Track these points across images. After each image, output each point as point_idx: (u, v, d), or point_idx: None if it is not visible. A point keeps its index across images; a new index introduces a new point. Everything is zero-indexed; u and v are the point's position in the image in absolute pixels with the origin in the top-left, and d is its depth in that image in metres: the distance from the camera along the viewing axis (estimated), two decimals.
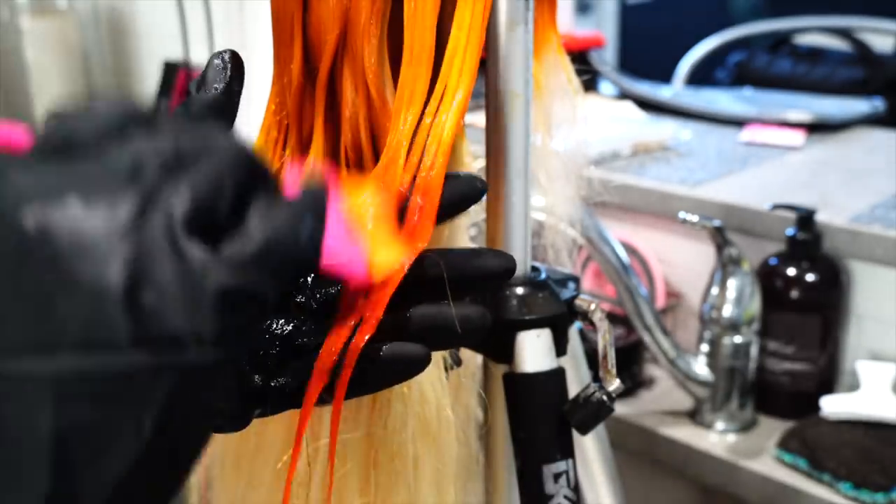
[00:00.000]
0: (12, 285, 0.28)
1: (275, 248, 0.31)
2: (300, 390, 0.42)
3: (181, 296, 0.29)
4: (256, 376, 0.42)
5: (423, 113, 0.46)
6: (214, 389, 0.31)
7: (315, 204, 0.33)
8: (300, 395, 0.42)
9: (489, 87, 0.54)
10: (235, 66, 0.41)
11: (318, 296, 0.42)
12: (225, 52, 0.42)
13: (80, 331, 0.28)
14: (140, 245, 0.28)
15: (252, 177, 0.31)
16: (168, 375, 0.29)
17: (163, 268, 0.28)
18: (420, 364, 0.42)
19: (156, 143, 0.31)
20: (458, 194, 0.44)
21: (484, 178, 0.57)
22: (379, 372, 0.42)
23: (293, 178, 0.34)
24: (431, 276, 0.42)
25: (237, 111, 0.42)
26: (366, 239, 0.37)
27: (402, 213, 0.43)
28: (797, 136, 1.43)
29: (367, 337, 0.41)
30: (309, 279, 0.42)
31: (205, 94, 0.41)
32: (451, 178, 0.44)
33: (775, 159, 1.34)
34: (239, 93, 0.42)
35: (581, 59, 1.61)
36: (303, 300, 0.42)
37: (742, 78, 2.13)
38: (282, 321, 0.42)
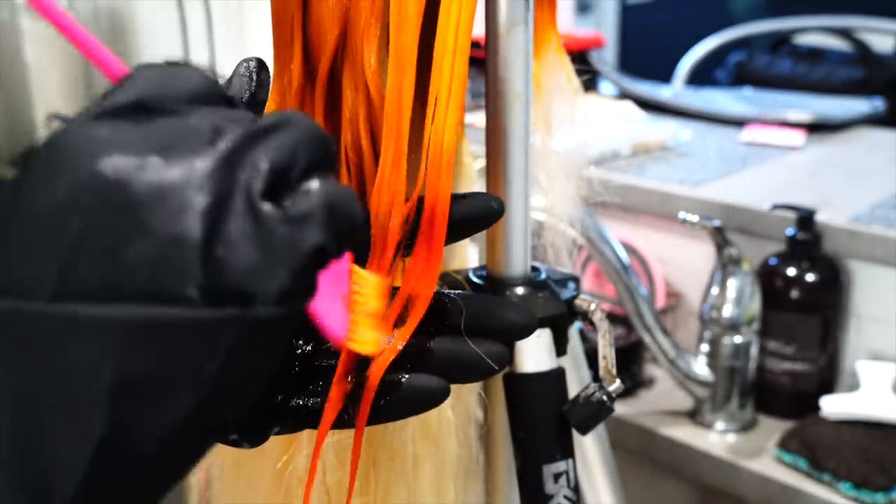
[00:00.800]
0: (88, 230, 0.29)
1: (335, 209, 0.31)
2: (318, 412, 0.42)
3: (253, 251, 0.29)
4: (277, 395, 0.42)
5: (413, 118, 0.46)
6: (274, 347, 0.32)
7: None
8: (318, 416, 0.42)
9: (489, 88, 0.54)
10: (261, 74, 0.42)
11: None
12: (252, 59, 0.42)
13: (150, 279, 0.28)
14: (217, 200, 0.29)
15: (321, 154, 0.32)
16: (233, 329, 0.29)
17: (238, 223, 0.29)
18: (440, 397, 0.43)
19: (236, 113, 0.32)
20: (471, 215, 0.44)
21: (484, 178, 0.57)
22: (399, 403, 0.42)
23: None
24: (453, 320, 0.43)
25: (261, 106, 0.42)
26: (352, 315, 0.38)
27: (412, 234, 0.44)
28: (797, 136, 1.43)
29: (384, 369, 0.42)
30: None
31: (230, 86, 0.41)
32: (464, 197, 0.44)
33: (775, 159, 1.34)
34: (264, 102, 0.42)
35: (581, 59, 1.61)
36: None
37: (742, 78, 2.13)
38: (302, 341, 0.43)
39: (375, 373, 0.42)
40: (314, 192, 0.31)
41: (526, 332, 0.45)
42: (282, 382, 0.42)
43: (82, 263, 0.29)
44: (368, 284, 0.39)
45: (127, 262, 0.28)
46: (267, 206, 0.30)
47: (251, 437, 0.42)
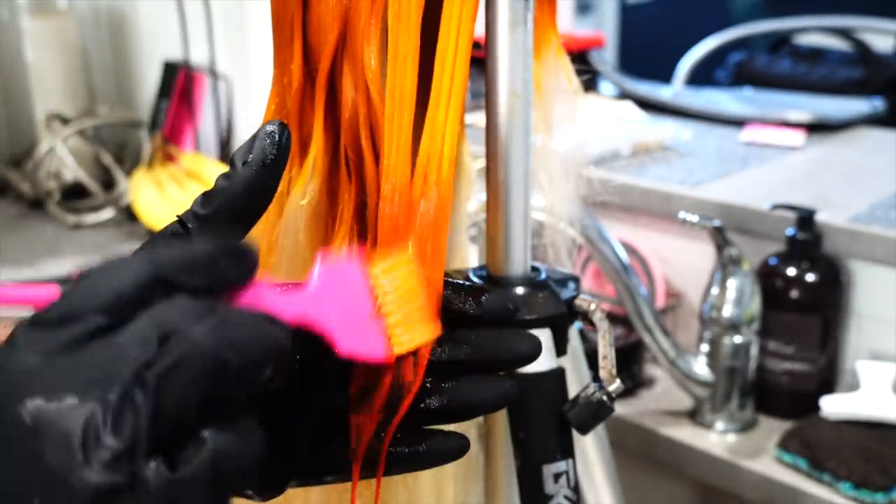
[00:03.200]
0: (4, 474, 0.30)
1: (224, 467, 0.32)
2: (337, 462, 0.43)
3: None
4: (295, 451, 0.42)
5: (415, 118, 0.46)
6: None
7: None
8: (336, 465, 0.43)
9: (489, 88, 0.54)
10: (282, 139, 0.42)
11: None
12: (275, 124, 0.42)
13: None
14: (106, 461, 0.30)
15: (217, 396, 0.32)
16: None
17: (124, 483, 0.30)
18: (460, 454, 0.44)
19: (140, 335, 0.32)
20: (489, 313, 0.44)
21: (484, 178, 0.57)
22: (418, 460, 0.44)
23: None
24: (460, 356, 0.43)
25: (276, 187, 0.43)
26: (386, 318, 0.38)
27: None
28: (797, 136, 1.43)
29: (397, 422, 0.43)
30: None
31: (249, 169, 0.41)
32: (482, 292, 0.44)
33: (775, 159, 1.34)
34: (283, 168, 0.42)
35: (581, 59, 1.61)
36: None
37: (742, 78, 2.13)
38: (316, 393, 0.43)
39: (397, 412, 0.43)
40: (203, 451, 0.31)
41: (533, 359, 0.45)
42: (297, 441, 0.42)
43: None
44: (393, 277, 0.39)
45: None
46: (150, 469, 0.30)
47: (267, 492, 0.42)
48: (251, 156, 0.41)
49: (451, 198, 0.45)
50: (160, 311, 0.32)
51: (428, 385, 0.43)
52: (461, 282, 0.45)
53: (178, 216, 0.42)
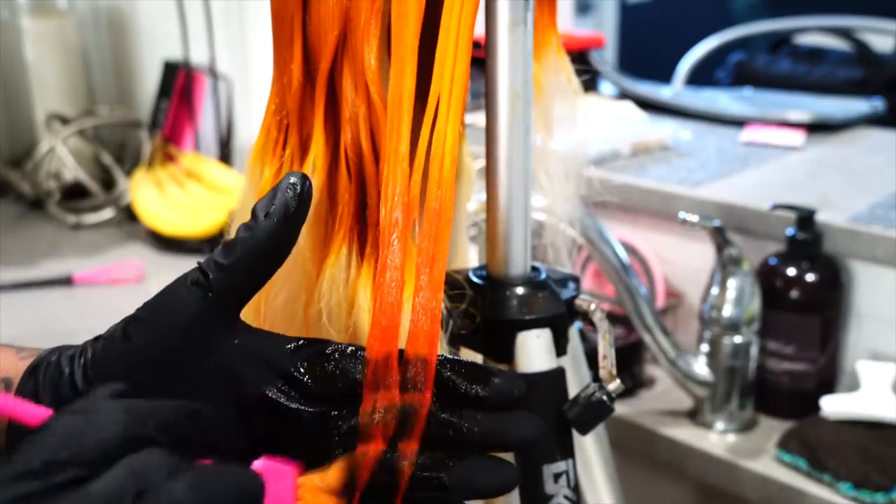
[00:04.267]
0: None
1: None
2: None
3: None
4: None
5: (415, 120, 0.46)
6: None
7: None
8: None
9: (489, 87, 0.54)
10: (303, 191, 0.43)
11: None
12: (297, 176, 0.43)
13: None
14: None
15: None
16: None
17: None
18: None
19: (116, 489, 0.32)
20: (496, 396, 0.44)
21: (484, 178, 0.57)
22: None
23: None
24: (465, 438, 0.43)
25: (297, 237, 0.44)
26: None
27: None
28: (797, 136, 1.43)
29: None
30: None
31: (271, 221, 0.42)
32: (490, 375, 0.44)
33: (775, 159, 1.34)
34: (303, 219, 0.43)
35: (581, 59, 1.61)
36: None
37: (742, 78, 2.13)
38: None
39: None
40: None
41: (535, 444, 0.45)
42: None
43: None
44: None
45: None
46: None
47: None
48: (273, 208, 0.42)
49: (453, 198, 0.45)
50: (135, 463, 0.33)
51: (428, 462, 0.42)
52: (467, 361, 0.45)
53: (199, 264, 0.43)
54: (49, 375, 0.44)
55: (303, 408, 0.43)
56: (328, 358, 0.44)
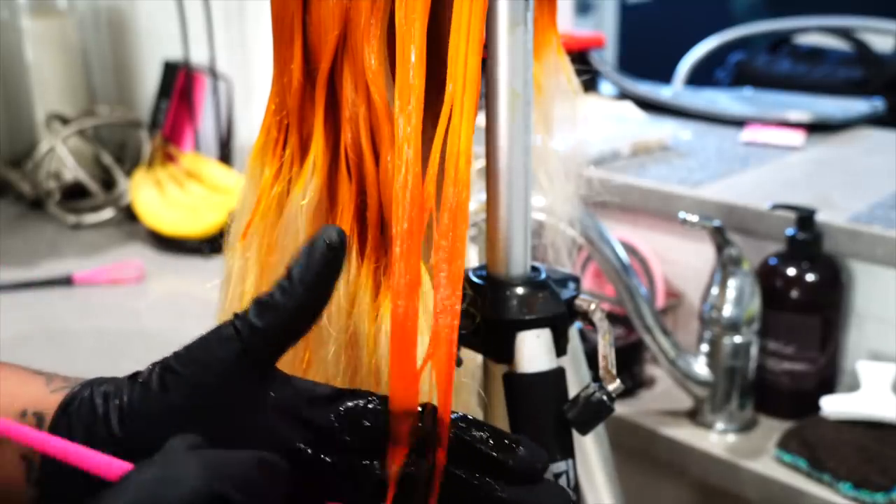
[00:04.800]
0: None
1: None
2: None
3: None
4: None
5: (426, 117, 0.46)
6: None
7: None
8: None
9: (489, 87, 0.54)
10: (340, 251, 0.43)
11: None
12: (334, 232, 0.43)
13: None
14: None
15: None
16: None
17: None
18: None
19: None
20: (519, 467, 0.44)
21: (484, 178, 0.57)
22: None
23: None
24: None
25: (329, 297, 0.44)
26: None
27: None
28: (797, 136, 1.43)
29: None
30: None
31: (305, 286, 0.42)
32: (515, 445, 0.45)
33: (775, 159, 1.34)
34: (337, 278, 0.43)
35: (581, 59, 1.61)
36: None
37: (742, 78, 2.13)
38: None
39: None
40: None
41: None
42: None
43: None
44: None
45: None
46: None
47: None
48: (308, 270, 0.42)
49: (469, 196, 0.46)
50: None
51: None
52: (489, 425, 0.45)
53: (233, 321, 0.43)
54: (83, 414, 0.43)
55: (334, 459, 0.43)
56: (361, 412, 0.44)
